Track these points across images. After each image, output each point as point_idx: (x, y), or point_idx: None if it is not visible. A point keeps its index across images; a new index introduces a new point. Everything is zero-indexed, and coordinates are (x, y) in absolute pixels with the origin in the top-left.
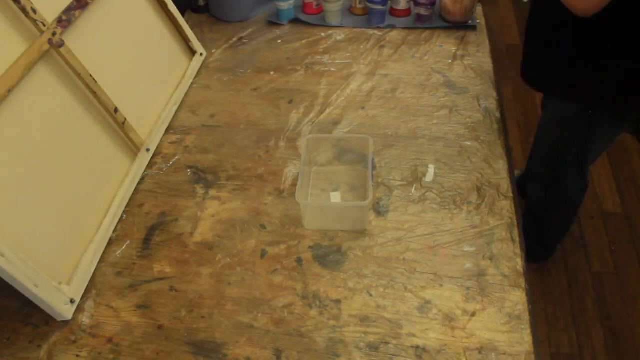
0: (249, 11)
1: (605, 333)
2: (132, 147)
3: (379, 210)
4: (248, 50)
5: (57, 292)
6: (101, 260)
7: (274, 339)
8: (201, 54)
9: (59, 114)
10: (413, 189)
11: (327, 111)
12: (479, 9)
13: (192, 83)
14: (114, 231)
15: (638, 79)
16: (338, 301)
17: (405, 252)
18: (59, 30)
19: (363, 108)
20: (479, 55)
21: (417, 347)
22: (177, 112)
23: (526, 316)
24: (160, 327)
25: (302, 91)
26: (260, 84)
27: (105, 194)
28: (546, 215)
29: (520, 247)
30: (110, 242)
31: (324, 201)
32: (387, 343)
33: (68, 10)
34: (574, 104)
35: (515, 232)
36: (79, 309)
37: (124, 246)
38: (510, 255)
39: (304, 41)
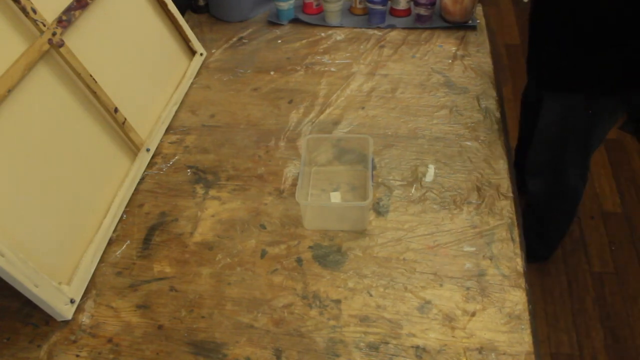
0: (249, 11)
1: (605, 333)
2: (132, 147)
3: (379, 210)
4: (248, 50)
5: (57, 292)
6: (101, 260)
7: (274, 339)
8: (201, 54)
9: (59, 114)
10: (413, 189)
11: (327, 111)
12: (479, 9)
13: (192, 83)
14: (114, 231)
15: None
16: (338, 301)
17: (405, 252)
18: (59, 30)
19: (363, 108)
20: (479, 55)
21: (417, 347)
22: (177, 112)
23: (526, 316)
24: (160, 327)
25: (302, 91)
26: (260, 84)
27: (105, 194)
28: (547, 211)
29: (520, 247)
30: (110, 242)
31: (324, 201)
32: (387, 343)
33: (68, 10)
34: (576, 96)
35: (515, 232)
36: (79, 309)
37: (124, 246)
38: (510, 255)
39: (304, 41)
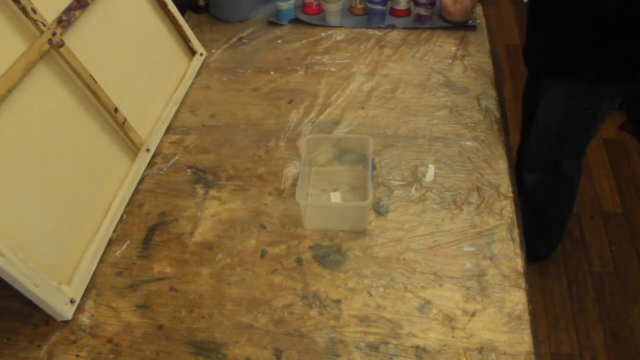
0: (249, 11)
1: (605, 333)
2: (132, 147)
3: (379, 210)
4: (248, 50)
5: (57, 292)
6: (101, 260)
7: (274, 339)
8: (201, 54)
9: (59, 114)
10: (413, 189)
11: (327, 111)
12: (479, 9)
13: (192, 83)
14: (114, 231)
15: None
16: (338, 301)
17: (405, 252)
18: (59, 30)
19: (363, 108)
20: (479, 55)
21: (417, 347)
22: (177, 112)
23: (526, 316)
24: (160, 327)
25: (302, 91)
26: (260, 84)
27: (105, 194)
28: (546, 207)
29: (520, 247)
30: (110, 242)
31: (324, 201)
32: (387, 343)
33: (68, 10)
34: (579, 82)
35: (515, 232)
36: (79, 309)
37: (124, 246)
38: (510, 255)
39: (304, 41)
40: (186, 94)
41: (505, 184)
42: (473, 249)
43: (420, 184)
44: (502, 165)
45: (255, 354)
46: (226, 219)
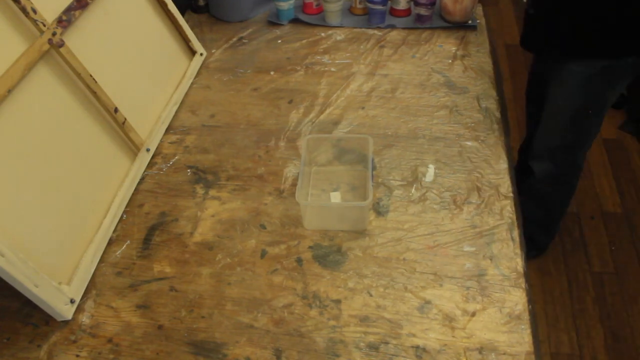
0: (249, 11)
1: (605, 333)
2: (132, 147)
3: (379, 210)
4: (248, 50)
5: (57, 292)
6: (101, 260)
7: (274, 339)
8: (201, 54)
9: (59, 114)
10: (413, 189)
11: (327, 111)
12: (479, 9)
13: (192, 83)
14: (114, 231)
15: None
16: (338, 301)
17: (405, 252)
18: (59, 30)
19: (363, 108)
20: (479, 55)
21: (417, 347)
22: (177, 112)
23: (526, 316)
24: (160, 327)
25: (302, 91)
26: (260, 84)
27: (105, 194)
28: (553, 195)
29: (520, 247)
30: (110, 242)
31: (324, 201)
32: (387, 343)
33: (68, 10)
34: (596, 63)
35: (515, 232)
36: (79, 309)
37: (124, 246)
38: (510, 255)
39: (304, 41)
40: (186, 94)
41: (505, 184)
42: (473, 249)
43: (420, 184)
44: (502, 165)
45: (255, 354)
46: (226, 219)
